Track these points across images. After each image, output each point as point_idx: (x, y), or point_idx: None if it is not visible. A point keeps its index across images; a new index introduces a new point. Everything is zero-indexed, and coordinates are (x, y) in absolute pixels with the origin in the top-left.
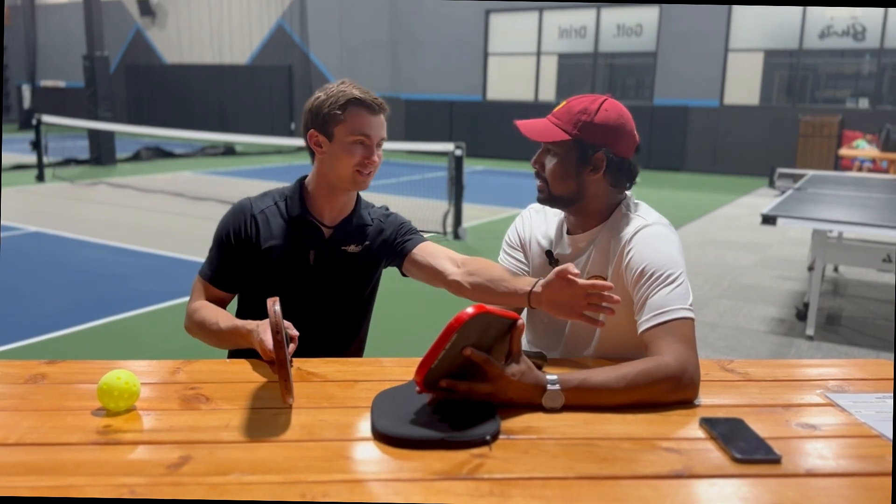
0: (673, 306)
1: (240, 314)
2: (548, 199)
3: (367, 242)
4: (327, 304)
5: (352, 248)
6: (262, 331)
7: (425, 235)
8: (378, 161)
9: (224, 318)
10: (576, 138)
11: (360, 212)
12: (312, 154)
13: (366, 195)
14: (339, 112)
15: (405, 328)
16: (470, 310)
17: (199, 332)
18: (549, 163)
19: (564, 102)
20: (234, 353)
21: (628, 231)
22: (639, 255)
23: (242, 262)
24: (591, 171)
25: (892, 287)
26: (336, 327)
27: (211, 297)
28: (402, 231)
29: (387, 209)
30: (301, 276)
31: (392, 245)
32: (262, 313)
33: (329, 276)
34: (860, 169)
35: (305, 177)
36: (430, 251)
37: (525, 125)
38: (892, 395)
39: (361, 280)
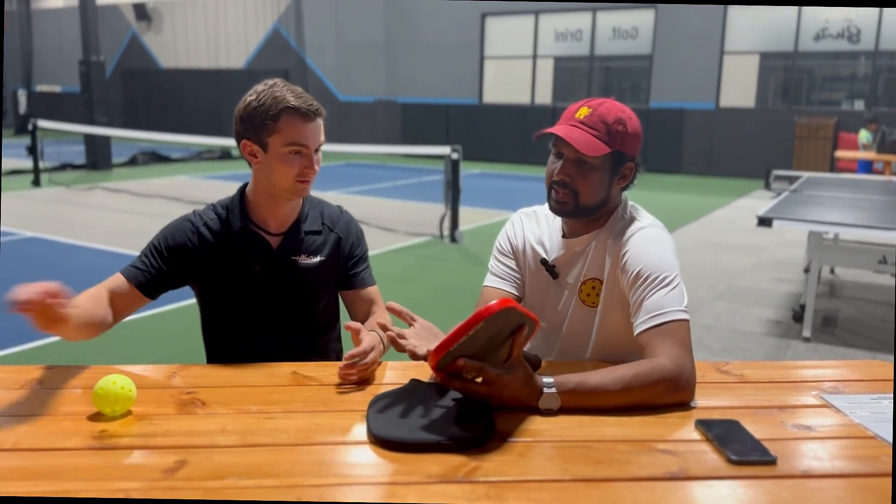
0: (668, 308)
1: (205, 328)
2: (573, 210)
3: (318, 254)
4: (283, 316)
5: (302, 259)
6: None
7: (421, 240)
8: (318, 168)
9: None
10: (615, 149)
11: (308, 215)
12: (248, 161)
13: (361, 200)
14: (271, 122)
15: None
16: (496, 302)
17: None
18: (585, 175)
19: (588, 109)
20: (213, 359)
21: (624, 234)
22: (634, 258)
23: (178, 273)
24: (619, 179)
25: (888, 288)
26: (297, 338)
27: (119, 296)
28: (355, 252)
29: (340, 209)
30: (251, 290)
31: (343, 265)
32: (225, 327)
33: (280, 287)
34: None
35: (246, 185)
36: (370, 297)
37: (569, 136)
38: (886, 396)
39: (316, 290)
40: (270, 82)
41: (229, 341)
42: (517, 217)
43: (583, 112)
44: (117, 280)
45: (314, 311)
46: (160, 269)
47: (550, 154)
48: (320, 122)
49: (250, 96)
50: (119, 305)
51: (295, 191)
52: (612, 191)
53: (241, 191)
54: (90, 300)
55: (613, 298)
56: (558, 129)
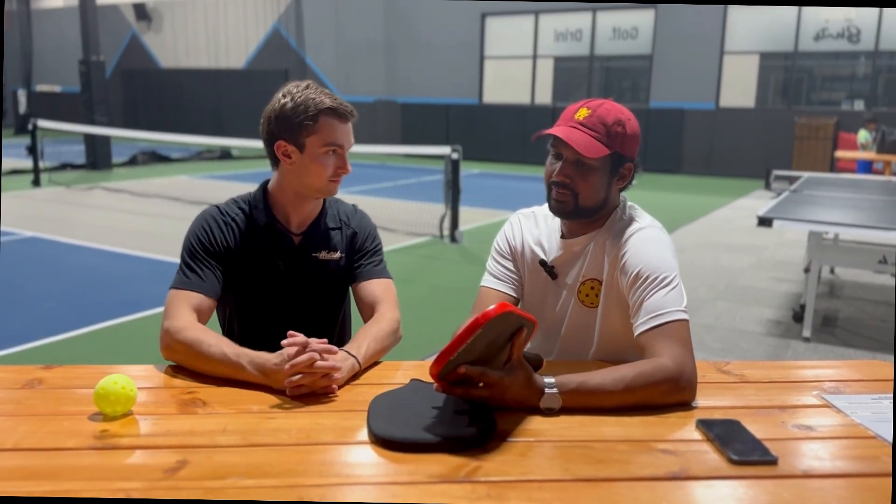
0: (668, 308)
1: (223, 325)
2: (573, 211)
3: (338, 250)
4: (301, 312)
5: (323, 255)
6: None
7: (421, 240)
8: (349, 168)
9: (224, 343)
10: (614, 151)
11: (328, 213)
12: (275, 161)
13: (361, 200)
14: (310, 122)
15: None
16: (493, 308)
17: (185, 353)
18: (585, 176)
19: (587, 110)
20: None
21: (623, 234)
22: (633, 259)
23: (218, 267)
24: (618, 180)
25: (888, 288)
26: (316, 335)
27: (204, 313)
28: (367, 247)
29: (355, 208)
30: (272, 286)
31: (353, 258)
32: (244, 324)
33: (301, 283)
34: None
35: (268, 181)
36: (371, 291)
37: (569, 137)
38: (887, 396)
39: (334, 286)
40: (301, 84)
41: (247, 338)
42: (515, 218)
43: (582, 113)
44: (191, 298)
45: (333, 308)
46: (217, 268)
47: (549, 155)
48: (351, 123)
49: (284, 98)
50: (204, 321)
51: (327, 190)
52: (611, 191)
53: (264, 188)
54: (212, 333)
55: (612, 299)
56: (558, 131)
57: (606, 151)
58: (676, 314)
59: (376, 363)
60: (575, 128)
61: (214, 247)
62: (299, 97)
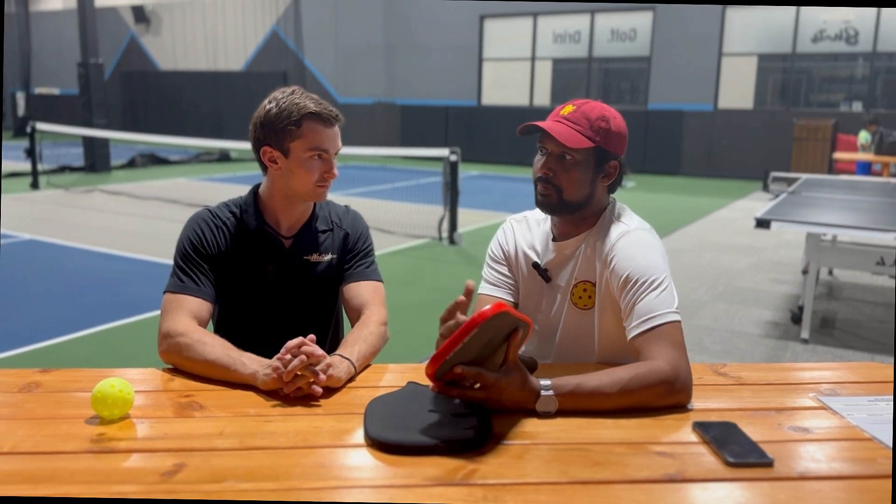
0: (660, 311)
1: (215, 328)
2: (557, 205)
3: (329, 252)
4: (290, 314)
5: (314, 258)
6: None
7: (420, 242)
8: (337, 173)
9: (225, 346)
10: (597, 145)
11: (319, 216)
12: (264, 166)
13: (360, 202)
14: (294, 127)
15: (399, 334)
16: (489, 308)
17: (185, 356)
18: (567, 169)
19: (572, 107)
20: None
21: (611, 237)
22: (622, 263)
23: (211, 271)
24: (602, 177)
25: (886, 289)
26: (301, 335)
27: (203, 318)
28: (358, 247)
29: (347, 208)
30: (261, 289)
31: (343, 259)
32: (235, 327)
33: (290, 286)
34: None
35: (259, 185)
36: (359, 293)
37: (552, 129)
38: (883, 398)
39: (326, 288)
40: (288, 90)
41: (240, 341)
42: (508, 224)
43: (567, 109)
44: (187, 302)
45: (326, 310)
46: (209, 271)
47: (538, 152)
48: (338, 128)
49: (269, 104)
50: (204, 325)
51: (315, 195)
52: (595, 188)
53: (254, 192)
54: (213, 336)
55: (606, 301)
56: (541, 124)
57: (589, 144)
58: (668, 316)
59: (367, 365)
60: (559, 121)
61: (207, 250)
62: (283, 102)
